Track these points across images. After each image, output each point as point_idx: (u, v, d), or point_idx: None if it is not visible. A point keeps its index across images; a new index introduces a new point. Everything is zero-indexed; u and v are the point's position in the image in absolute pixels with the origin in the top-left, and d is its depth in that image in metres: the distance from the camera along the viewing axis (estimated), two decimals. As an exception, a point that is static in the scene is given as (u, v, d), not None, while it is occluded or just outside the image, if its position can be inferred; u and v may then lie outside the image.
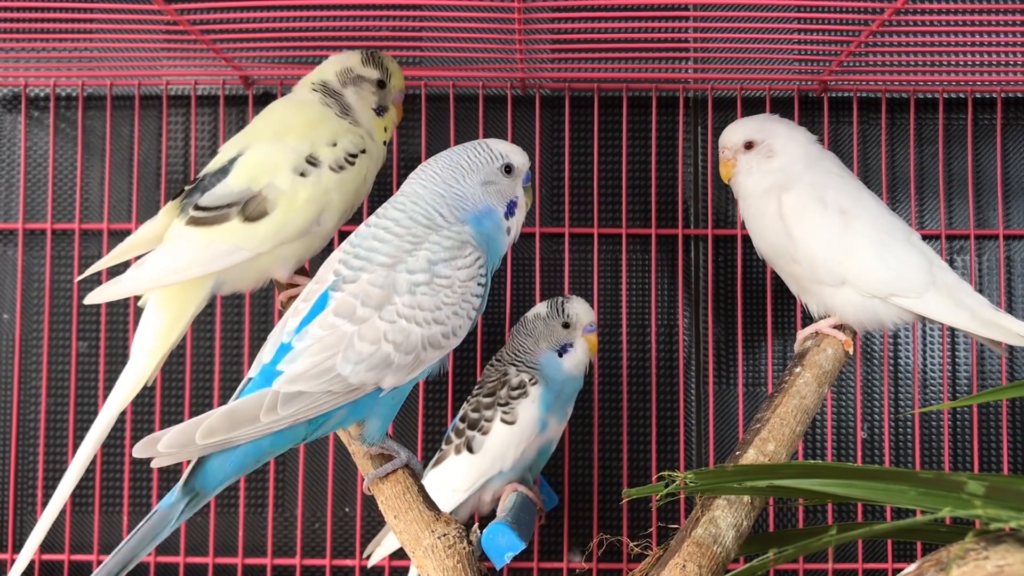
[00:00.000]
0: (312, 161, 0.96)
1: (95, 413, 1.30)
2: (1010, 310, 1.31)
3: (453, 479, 1.08)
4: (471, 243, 0.83)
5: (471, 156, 0.87)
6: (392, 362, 0.79)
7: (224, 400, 1.30)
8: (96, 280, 1.28)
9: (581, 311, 1.14)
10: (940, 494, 0.63)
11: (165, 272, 0.91)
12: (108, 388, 1.31)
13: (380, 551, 1.12)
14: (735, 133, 1.10)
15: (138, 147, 1.33)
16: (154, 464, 0.75)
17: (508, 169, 0.87)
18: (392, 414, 0.85)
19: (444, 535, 0.84)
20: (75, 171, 1.33)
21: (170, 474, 1.30)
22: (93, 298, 0.92)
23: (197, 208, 0.93)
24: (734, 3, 1.08)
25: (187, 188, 0.97)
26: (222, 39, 1.16)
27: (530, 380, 1.10)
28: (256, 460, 0.80)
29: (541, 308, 1.16)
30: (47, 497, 1.30)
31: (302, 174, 0.95)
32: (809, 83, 1.29)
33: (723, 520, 0.85)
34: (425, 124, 1.32)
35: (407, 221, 0.83)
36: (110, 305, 1.31)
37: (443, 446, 1.12)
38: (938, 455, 1.30)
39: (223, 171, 0.95)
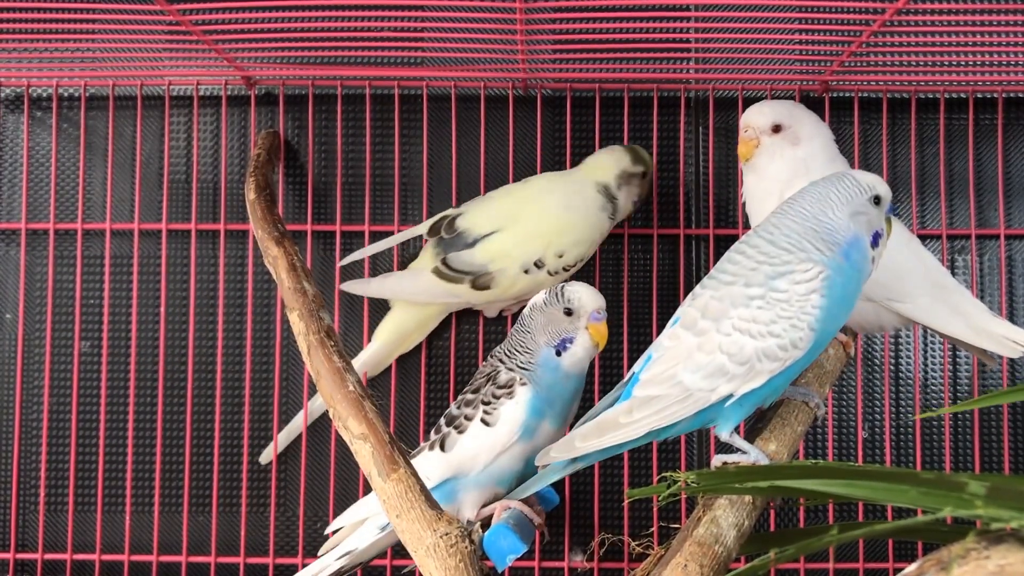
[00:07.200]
0: (539, 264, 1.17)
1: (97, 413, 1.31)
2: (1011, 310, 1.31)
3: (421, 472, 0.97)
4: (814, 260, 0.85)
5: (840, 189, 0.88)
6: (727, 372, 0.85)
7: (225, 405, 1.31)
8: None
9: (585, 295, 1.01)
10: (941, 494, 0.63)
11: (403, 291, 1.21)
12: (110, 388, 1.31)
13: (337, 523, 1.10)
14: (763, 115, 1.08)
15: (140, 147, 1.33)
16: (540, 461, 0.92)
17: (877, 200, 0.89)
18: (741, 416, 0.89)
19: (446, 534, 0.84)
20: (77, 171, 1.33)
21: (170, 473, 1.31)
22: (348, 288, 1.23)
23: (444, 263, 1.17)
24: (735, 3, 1.08)
25: (443, 233, 1.19)
26: (224, 40, 1.16)
27: (519, 380, 1.01)
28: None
29: (539, 296, 1.05)
30: (50, 497, 1.30)
31: (526, 272, 1.16)
32: (811, 83, 1.29)
33: (724, 520, 0.85)
34: (427, 124, 1.32)
35: (769, 247, 0.88)
36: (112, 306, 1.31)
37: (432, 436, 1.07)
38: (939, 455, 1.30)
39: (475, 241, 1.17)
